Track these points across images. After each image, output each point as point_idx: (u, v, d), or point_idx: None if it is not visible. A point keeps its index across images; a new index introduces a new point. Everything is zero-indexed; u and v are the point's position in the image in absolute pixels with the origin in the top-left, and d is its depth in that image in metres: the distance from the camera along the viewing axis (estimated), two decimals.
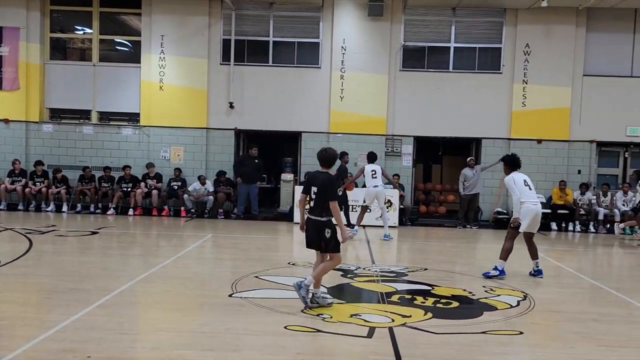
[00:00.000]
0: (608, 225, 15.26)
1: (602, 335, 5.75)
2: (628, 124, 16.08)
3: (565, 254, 11.91)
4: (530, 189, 8.50)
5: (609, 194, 15.45)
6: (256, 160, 15.78)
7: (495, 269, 8.37)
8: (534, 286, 7.98)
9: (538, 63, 15.93)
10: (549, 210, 14.97)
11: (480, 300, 7.06)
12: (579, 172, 16.21)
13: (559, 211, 15.19)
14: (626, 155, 16.72)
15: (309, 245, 6.40)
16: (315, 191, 6.23)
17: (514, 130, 16.11)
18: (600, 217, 15.18)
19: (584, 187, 15.63)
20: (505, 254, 8.43)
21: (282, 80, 16.30)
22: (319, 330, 5.53)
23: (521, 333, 5.76)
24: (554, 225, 15.10)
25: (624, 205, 15.03)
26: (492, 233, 14.60)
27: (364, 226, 13.36)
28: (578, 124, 16.09)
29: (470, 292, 7.42)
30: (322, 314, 6.04)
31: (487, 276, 8.37)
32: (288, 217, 15.02)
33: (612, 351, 5.27)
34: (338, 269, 8.40)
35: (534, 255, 8.61)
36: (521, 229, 8.41)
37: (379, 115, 16.14)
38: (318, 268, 6.31)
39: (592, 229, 15.24)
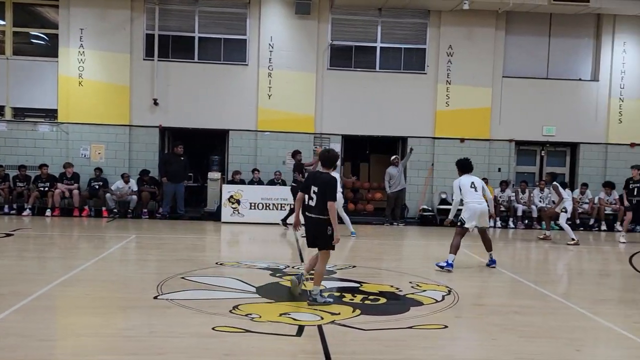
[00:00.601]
0: (526, 221, 15.95)
1: (522, 327, 5.96)
2: (544, 123, 16.82)
3: None
4: (475, 190, 9.23)
5: (527, 191, 16.13)
6: (182, 158, 15.42)
7: (446, 262, 8.86)
8: (458, 281, 8.19)
9: (460, 64, 16.39)
10: None
11: (406, 296, 7.18)
12: (499, 170, 16.83)
13: None
14: (542, 154, 17.51)
15: (313, 244, 6.52)
16: (316, 191, 6.34)
17: (438, 129, 16.52)
18: (519, 213, 15.85)
19: (504, 185, 16.29)
20: (454, 249, 8.97)
21: (208, 77, 16.02)
22: (247, 331, 5.45)
23: (446, 327, 5.89)
24: None
25: (540, 201, 15.71)
26: (418, 230, 14.97)
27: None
28: (498, 123, 16.69)
29: (397, 288, 7.53)
30: (250, 314, 5.96)
31: (438, 265, 8.89)
32: (215, 216, 14.78)
33: (531, 342, 5.47)
34: (267, 268, 8.37)
35: (488, 247, 9.45)
36: (467, 226, 9.12)
37: (307, 113, 16.15)
38: (316, 272, 6.47)
39: (511, 224, 15.87)
